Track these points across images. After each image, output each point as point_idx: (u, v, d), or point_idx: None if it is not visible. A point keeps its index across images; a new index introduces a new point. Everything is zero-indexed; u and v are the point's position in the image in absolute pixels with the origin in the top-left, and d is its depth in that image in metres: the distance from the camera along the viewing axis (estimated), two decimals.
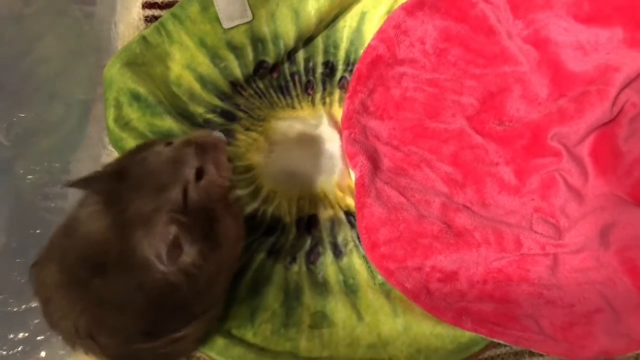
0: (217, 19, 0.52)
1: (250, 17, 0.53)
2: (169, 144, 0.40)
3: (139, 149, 0.41)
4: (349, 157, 0.52)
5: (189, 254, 0.36)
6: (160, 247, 0.35)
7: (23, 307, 0.47)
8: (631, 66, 0.51)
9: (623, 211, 0.50)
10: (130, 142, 0.48)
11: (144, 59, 0.51)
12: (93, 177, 0.38)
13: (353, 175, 0.52)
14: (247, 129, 0.55)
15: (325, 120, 0.56)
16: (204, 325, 0.43)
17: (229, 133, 0.54)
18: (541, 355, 0.50)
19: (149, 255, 0.35)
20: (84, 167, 0.50)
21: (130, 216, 0.36)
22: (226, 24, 0.52)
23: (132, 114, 0.49)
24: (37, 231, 0.48)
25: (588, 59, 0.53)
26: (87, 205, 0.38)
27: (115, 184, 0.37)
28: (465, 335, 0.46)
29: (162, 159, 0.39)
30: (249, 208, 0.52)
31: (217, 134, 0.42)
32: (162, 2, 0.54)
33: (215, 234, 0.39)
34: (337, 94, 0.57)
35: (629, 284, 0.48)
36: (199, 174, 0.39)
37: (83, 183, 0.37)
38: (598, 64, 0.53)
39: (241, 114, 0.55)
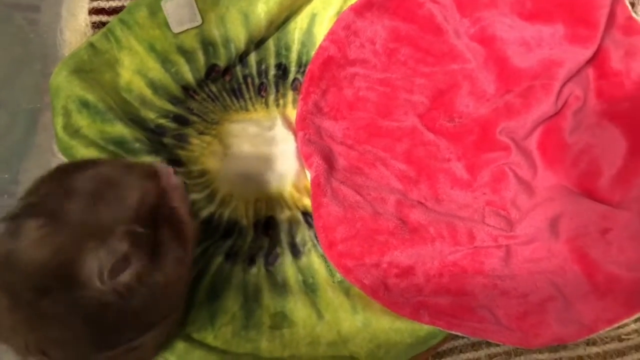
0: (167, 24, 0.52)
1: (199, 21, 0.53)
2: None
3: (78, 168, 0.39)
4: (304, 157, 0.52)
5: (126, 275, 0.36)
6: (107, 263, 0.34)
7: None
8: (573, 60, 0.53)
9: (571, 201, 0.52)
10: (81, 150, 0.47)
11: (92, 66, 0.50)
12: (34, 203, 0.37)
13: (309, 175, 0.52)
14: (201, 133, 0.55)
15: (279, 122, 0.56)
16: (163, 332, 0.42)
17: (182, 137, 0.54)
18: (498, 345, 0.51)
19: (91, 272, 0.35)
20: (33, 176, 0.48)
21: (81, 234, 0.36)
22: (176, 29, 0.52)
23: (82, 121, 0.48)
24: None
25: (532, 54, 0.55)
26: (25, 234, 0.36)
27: (64, 204, 0.36)
28: (424, 328, 0.47)
29: (117, 175, 0.38)
30: (205, 212, 0.52)
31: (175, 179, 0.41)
32: (109, 8, 0.54)
33: (159, 258, 0.38)
34: (290, 95, 0.57)
35: (579, 272, 0.50)
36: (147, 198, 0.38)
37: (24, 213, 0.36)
38: (542, 59, 0.55)
39: (194, 118, 0.55)
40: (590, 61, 0.54)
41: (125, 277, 0.35)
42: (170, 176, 0.40)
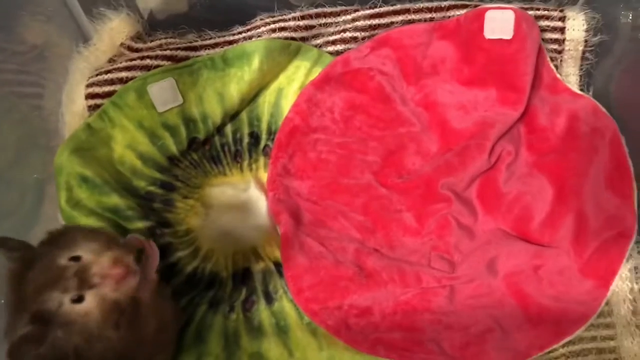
0: (152, 104, 0.60)
1: (181, 101, 0.60)
2: (75, 258, 0.42)
3: (55, 241, 0.44)
4: (275, 215, 0.60)
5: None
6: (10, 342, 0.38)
7: None
8: (503, 122, 0.60)
9: (507, 243, 0.59)
10: (82, 219, 0.55)
11: (90, 144, 0.58)
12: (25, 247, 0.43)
13: (279, 230, 0.60)
14: (185, 197, 0.62)
15: (252, 184, 0.63)
16: None
17: (169, 202, 0.61)
18: None
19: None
20: None
21: (14, 301, 0.42)
22: (160, 108, 0.60)
23: (82, 194, 0.56)
24: None
25: (469, 117, 0.62)
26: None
27: (20, 269, 0.42)
28: None
29: (52, 273, 0.41)
30: (190, 267, 0.59)
31: (116, 270, 0.42)
32: (102, 93, 0.60)
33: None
34: (262, 160, 0.64)
35: (514, 305, 0.56)
36: (79, 299, 0.41)
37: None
38: (477, 121, 0.61)
39: (179, 184, 0.62)
40: (520, 119, 0.61)
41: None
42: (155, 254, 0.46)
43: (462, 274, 0.58)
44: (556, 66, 0.64)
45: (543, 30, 0.62)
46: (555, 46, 0.63)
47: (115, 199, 0.56)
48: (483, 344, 0.54)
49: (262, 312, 0.57)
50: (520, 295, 0.56)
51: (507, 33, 0.59)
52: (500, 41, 0.59)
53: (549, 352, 0.54)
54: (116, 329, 0.42)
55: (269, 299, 0.58)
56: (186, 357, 0.54)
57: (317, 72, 0.62)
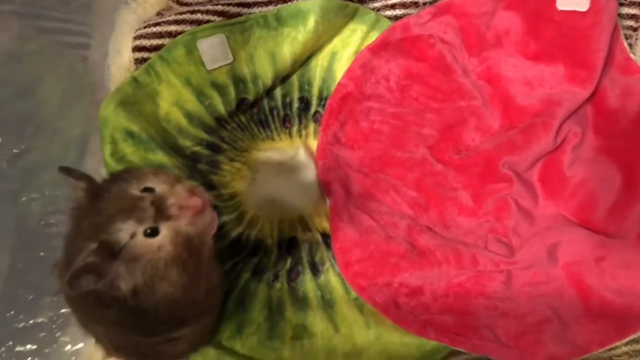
0: (201, 61, 0.57)
1: (231, 59, 0.58)
2: (147, 190, 0.39)
3: (122, 176, 0.41)
4: (324, 184, 0.57)
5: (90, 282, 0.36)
6: (72, 269, 0.35)
7: (30, 322, 0.51)
8: (571, 100, 0.57)
9: (568, 230, 0.56)
10: None
11: (136, 98, 0.55)
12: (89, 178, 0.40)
13: (328, 201, 0.57)
14: (232, 160, 0.59)
15: (301, 151, 0.61)
16: (199, 330, 0.47)
17: (215, 163, 0.59)
18: None
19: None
20: None
21: (78, 231, 0.39)
22: (209, 66, 0.57)
23: (127, 149, 0.53)
24: (41, 254, 0.52)
25: (534, 93, 0.58)
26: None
27: (86, 199, 0.39)
28: (430, 344, 0.51)
29: (126, 202, 0.38)
30: (235, 232, 0.56)
31: (194, 201, 0.39)
32: (150, 46, 0.58)
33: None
34: (311, 127, 0.62)
35: (574, 296, 0.53)
36: (152, 232, 0.38)
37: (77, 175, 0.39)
38: (543, 98, 0.58)
39: (225, 146, 0.59)
40: (589, 99, 0.58)
41: (91, 284, 0.36)
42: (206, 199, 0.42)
43: (520, 259, 0.55)
44: (630, 45, 0.60)
45: (620, 4, 0.58)
46: (632, 22, 0.59)
47: (160, 157, 0.54)
48: (540, 334, 0.51)
49: (308, 284, 0.55)
50: (581, 286, 0.53)
51: (582, 4, 0.55)
52: (573, 13, 0.56)
53: (611, 349, 0.51)
54: (182, 271, 0.39)
55: (315, 270, 0.56)
56: (228, 324, 0.51)
57: (374, 36, 0.60)
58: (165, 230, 0.38)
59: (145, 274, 0.37)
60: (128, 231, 0.37)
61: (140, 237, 0.37)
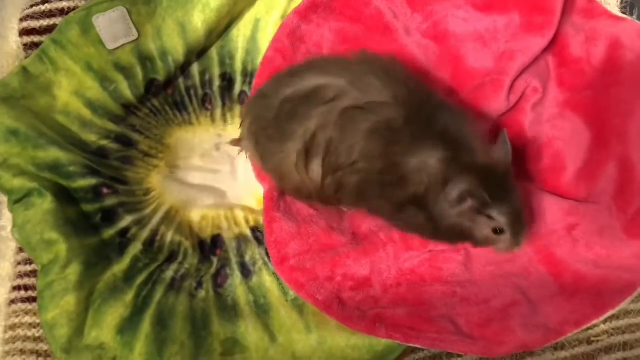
0: (101, 41, 0.51)
1: (135, 35, 0.51)
2: None
3: None
4: (257, 170, 0.51)
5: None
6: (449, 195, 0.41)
7: None
8: (526, 52, 0.52)
9: (534, 198, 0.51)
10: (10, 180, 0.46)
11: (25, 92, 0.50)
12: None
13: (263, 188, 0.51)
14: (146, 155, 0.54)
15: (227, 137, 0.55)
16: None
17: (127, 160, 0.53)
18: (460, 356, 0.49)
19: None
20: None
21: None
22: (110, 45, 0.51)
23: (11, 150, 0.47)
24: None
25: (487, 50, 0.53)
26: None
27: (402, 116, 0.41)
28: (381, 343, 0.46)
29: None
30: (147, 231, 0.51)
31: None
32: (40, 28, 0.52)
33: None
34: (237, 109, 0.56)
35: (544, 273, 0.49)
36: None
37: None
38: (496, 54, 0.53)
39: (137, 137, 0.53)
40: (549, 49, 0.53)
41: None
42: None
43: None
44: None
45: None
46: None
47: (54, 153, 0.47)
48: (507, 320, 0.46)
49: (238, 288, 0.49)
50: (551, 261, 0.49)
51: None
52: None
53: (588, 328, 0.48)
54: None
55: (246, 271, 0.51)
56: (145, 346, 0.45)
57: None
58: None
59: None
60: None
61: None
